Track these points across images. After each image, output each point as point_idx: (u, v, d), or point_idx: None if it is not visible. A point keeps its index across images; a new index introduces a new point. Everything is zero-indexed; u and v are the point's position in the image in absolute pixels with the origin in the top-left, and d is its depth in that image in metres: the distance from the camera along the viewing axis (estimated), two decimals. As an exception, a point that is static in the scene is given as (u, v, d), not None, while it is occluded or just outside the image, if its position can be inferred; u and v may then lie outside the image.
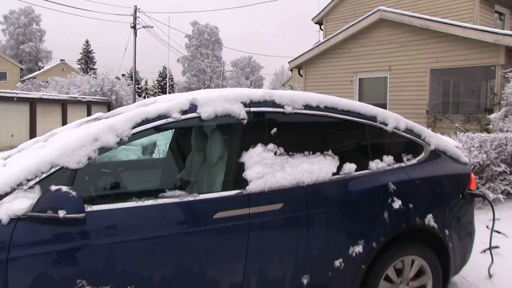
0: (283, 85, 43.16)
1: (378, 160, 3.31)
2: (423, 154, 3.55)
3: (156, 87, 44.07)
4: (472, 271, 4.11)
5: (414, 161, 3.47)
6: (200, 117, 2.73)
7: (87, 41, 61.15)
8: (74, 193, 2.17)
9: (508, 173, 7.02)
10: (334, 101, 3.27)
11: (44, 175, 2.30)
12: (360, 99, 13.95)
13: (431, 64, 12.36)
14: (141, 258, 2.40)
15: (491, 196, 6.55)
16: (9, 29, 59.99)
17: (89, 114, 22.91)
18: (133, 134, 2.53)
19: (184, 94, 3.06)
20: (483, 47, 11.18)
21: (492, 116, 9.35)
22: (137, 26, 27.16)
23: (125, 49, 32.08)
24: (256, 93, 2.98)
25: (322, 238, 2.93)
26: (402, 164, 3.40)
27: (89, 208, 2.33)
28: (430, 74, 12.47)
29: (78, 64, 58.78)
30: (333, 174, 3.04)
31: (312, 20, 21.22)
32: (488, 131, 9.15)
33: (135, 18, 26.93)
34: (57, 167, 2.33)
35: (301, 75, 16.19)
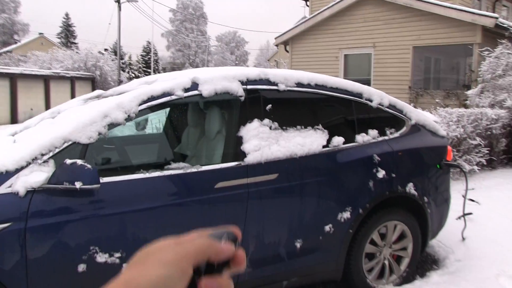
0: (268, 60, 43.09)
1: (363, 134, 3.57)
2: (404, 128, 3.82)
3: (140, 62, 43.64)
4: (448, 235, 4.45)
5: (396, 134, 3.74)
6: (201, 94, 2.94)
7: (67, 14, 59.76)
8: (89, 165, 2.36)
9: (483, 146, 7.39)
10: (324, 79, 3.51)
11: (57, 150, 2.48)
12: (345, 75, 14.20)
13: (413, 42, 12.64)
14: (150, 225, 2.63)
15: (467, 167, 6.92)
16: (-21, -1, 57.85)
17: (73, 90, 22.60)
18: (140, 110, 2.73)
19: (184, 73, 3.25)
20: (462, 26, 11.49)
21: (469, 92, 9.71)
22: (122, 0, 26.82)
23: (109, 24, 31.28)
24: (252, 72, 3.20)
25: (314, 205, 3.21)
26: (386, 137, 3.67)
27: (101, 180, 2.53)
28: (412, 51, 12.76)
29: (58, 38, 57.44)
30: (323, 146, 3.29)
31: (297, -5, 21.22)
32: (466, 106, 9.51)
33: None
34: (70, 142, 2.51)
35: (287, 51, 16.33)
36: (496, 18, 10.91)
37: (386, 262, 3.65)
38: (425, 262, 4.21)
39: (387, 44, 13.27)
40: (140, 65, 42.36)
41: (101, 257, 2.48)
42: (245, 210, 2.93)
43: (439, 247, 4.41)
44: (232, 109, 3.15)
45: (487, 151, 7.37)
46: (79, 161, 2.36)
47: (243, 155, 2.98)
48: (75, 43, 53.71)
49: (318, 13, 14.88)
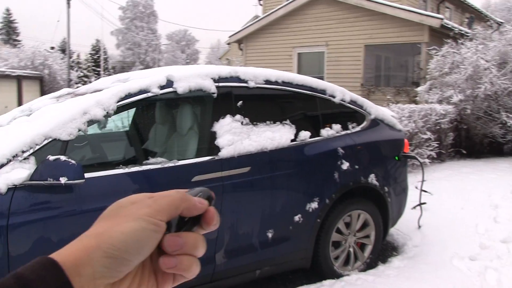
0: (219, 58, 43.01)
1: (328, 128, 3.76)
2: (365, 122, 4.04)
3: (89, 61, 42.44)
4: (405, 224, 4.73)
5: (358, 128, 3.96)
6: (176, 91, 3.02)
7: (7, 10, 57.18)
8: (73, 161, 2.41)
9: (433, 140, 7.81)
10: (290, 76, 3.67)
11: (37, 147, 2.50)
12: (299, 73, 14.37)
13: (365, 40, 13.10)
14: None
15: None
16: None
17: (19, 89, 21.66)
18: (118, 107, 2.79)
19: (159, 70, 3.32)
20: (411, 26, 12.06)
21: (419, 89, 10.19)
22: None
23: (58, 21, 30.07)
24: (223, 70, 3.31)
25: (284, 196, 3.37)
26: (348, 131, 3.87)
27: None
28: (364, 49, 13.23)
29: (-1, 35, 54.97)
30: (291, 140, 3.45)
31: (250, -6, 21.38)
32: (415, 102, 9.98)
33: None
34: (50, 139, 2.54)
35: (242, 50, 16.48)
36: (442, 19, 11.54)
37: (351, 250, 3.87)
38: (386, 249, 4.47)
39: (340, 43, 13.68)
40: (89, 64, 41.25)
41: None
42: (221, 202, 3.04)
43: (398, 235, 4.69)
44: (206, 105, 3.25)
45: (437, 145, 7.80)
46: (63, 157, 2.40)
47: (217, 149, 3.09)
48: (18, 41, 51.46)
49: (272, 12, 15.12)
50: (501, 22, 17.52)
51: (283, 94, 3.61)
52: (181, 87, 3.03)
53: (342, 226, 3.76)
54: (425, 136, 7.63)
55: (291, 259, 3.54)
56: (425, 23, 11.69)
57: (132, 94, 2.86)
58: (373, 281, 3.64)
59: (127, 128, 4.10)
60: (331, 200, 3.57)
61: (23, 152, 2.47)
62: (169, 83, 3.03)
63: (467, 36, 10.50)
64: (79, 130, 2.64)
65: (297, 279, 3.77)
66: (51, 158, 2.40)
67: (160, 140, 3.61)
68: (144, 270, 0.49)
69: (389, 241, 4.64)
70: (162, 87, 2.98)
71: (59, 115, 2.63)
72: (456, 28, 11.41)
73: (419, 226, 4.75)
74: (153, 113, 3.62)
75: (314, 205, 3.49)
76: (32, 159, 2.48)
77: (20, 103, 17.56)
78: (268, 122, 3.41)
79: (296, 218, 3.42)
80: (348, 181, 3.69)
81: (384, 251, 4.41)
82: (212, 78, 3.20)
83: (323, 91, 3.81)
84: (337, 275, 3.72)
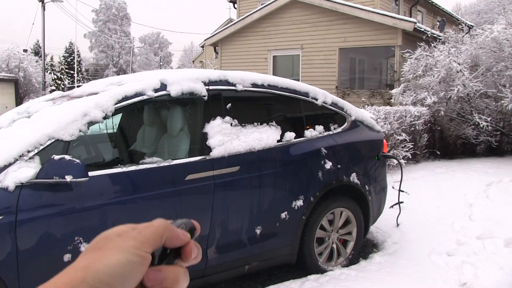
0: (193, 61, 42.92)
1: (311, 129, 3.93)
2: (346, 124, 4.23)
3: (62, 63, 41.89)
4: (384, 222, 4.95)
5: (339, 129, 4.14)
6: (169, 94, 3.15)
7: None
8: (78, 160, 2.53)
9: (408, 141, 8.10)
10: (275, 80, 3.84)
11: (42, 147, 2.62)
12: (274, 75, 14.66)
13: (339, 44, 13.40)
14: (129, 215, 2.82)
15: (394, 161, 7.56)
16: None
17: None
18: (115, 109, 2.91)
19: (151, 74, 3.44)
20: (384, 29, 12.40)
21: (393, 91, 10.50)
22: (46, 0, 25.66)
23: (33, 24, 29.40)
24: (213, 74, 3.46)
25: (271, 194, 3.52)
26: (330, 132, 4.05)
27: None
28: (339, 52, 13.52)
29: (-32, 37, 53.66)
30: (278, 141, 3.61)
31: (225, -3, 21.52)
32: (390, 104, 10.29)
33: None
34: (53, 140, 2.66)
35: (217, 52, 16.59)
36: (415, 22, 11.90)
37: (334, 246, 4.04)
38: (367, 246, 4.67)
39: (315, 46, 13.94)
40: (63, 67, 40.68)
41: (85, 247, 2.62)
42: (212, 199, 3.18)
43: (378, 233, 4.90)
44: (197, 107, 3.39)
45: (412, 146, 8.09)
46: (67, 156, 2.51)
47: (208, 149, 3.23)
48: (-12, 42, 50.27)
49: (248, 15, 15.29)
50: (472, 25, 18.16)
51: (269, 97, 3.78)
52: (174, 90, 3.15)
53: (325, 223, 3.94)
54: (400, 138, 7.89)
55: (278, 255, 3.69)
56: (398, 26, 12.04)
57: (128, 97, 2.97)
58: (356, 275, 3.82)
59: (115, 130, 4.18)
60: (315, 198, 3.74)
61: (29, 152, 2.59)
62: (163, 86, 3.15)
63: (440, 39, 10.86)
64: (80, 131, 2.75)
65: (283, 275, 3.92)
66: (56, 157, 2.52)
67: (152, 141, 3.72)
68: None
69: (369, 238, 4.84)
70: (156, 90, 3.10)
71: (60, 116, 2.74)
72: (428, 31, 11.79)
73: (398, 224, 4.97)
74: (147, 115, 3.75)
75: (300, 202, 3.65)
76: (37, 159, 2.60)
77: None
78: (255, 123, 3.56)
79: (283, 215, 3.58)
80: (331, 180, 3.87)
81: (365, 248, 4.61)
82: (202, 82, 3.34)
83: (306, 94, 3.98)
84: (321, 271, 3.88)
